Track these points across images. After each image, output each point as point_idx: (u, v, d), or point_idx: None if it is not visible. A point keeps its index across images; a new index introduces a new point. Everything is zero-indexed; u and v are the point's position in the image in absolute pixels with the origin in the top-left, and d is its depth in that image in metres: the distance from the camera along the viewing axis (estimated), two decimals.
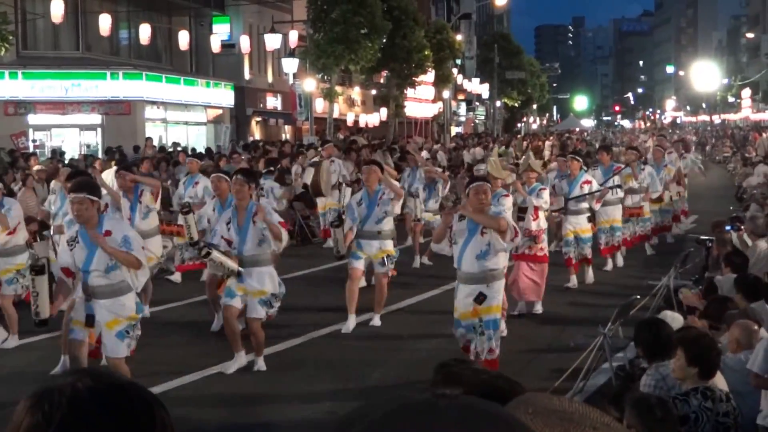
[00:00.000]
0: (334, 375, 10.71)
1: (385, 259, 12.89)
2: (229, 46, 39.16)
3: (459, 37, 61.01)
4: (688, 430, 5.89)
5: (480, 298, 9.72)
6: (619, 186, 17.08)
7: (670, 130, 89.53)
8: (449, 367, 2.50)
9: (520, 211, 13.72)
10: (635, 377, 7.57)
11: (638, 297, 11.29)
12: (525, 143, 49.82)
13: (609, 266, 17.41)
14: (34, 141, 31.12)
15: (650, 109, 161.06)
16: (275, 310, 10.86)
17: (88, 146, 32.50)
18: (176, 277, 16.37)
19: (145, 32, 33.33)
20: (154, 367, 10.51)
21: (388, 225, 13.02)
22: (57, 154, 28.16)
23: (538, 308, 13.67)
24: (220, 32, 39.23)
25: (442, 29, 55.39)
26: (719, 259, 11.86)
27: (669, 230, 20.72)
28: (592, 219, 16.09)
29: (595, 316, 11.78)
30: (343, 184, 20.43)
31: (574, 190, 15.85)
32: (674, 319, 9.25)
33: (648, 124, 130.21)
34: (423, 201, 17.81)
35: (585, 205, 15.88)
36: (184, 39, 35.40)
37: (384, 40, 40.64)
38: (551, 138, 54.65)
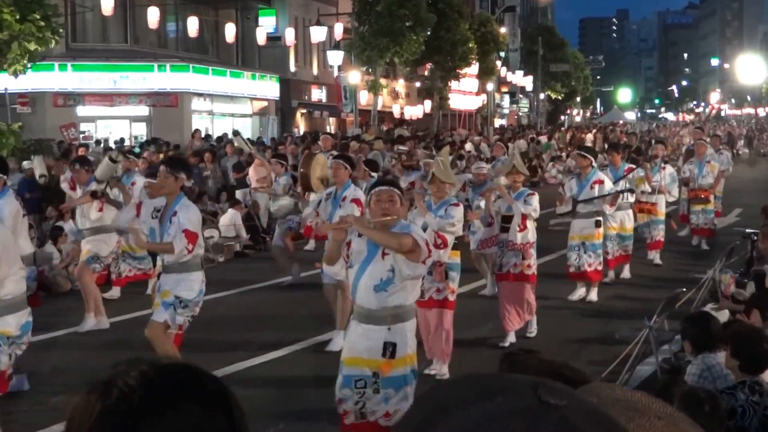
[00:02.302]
0: None
1: None
2: (274, 38, 39.39)
3: (503, 30, 60.88)
4: (735, 424, 5.87)
5: (388, 351, 7.15)
6: (631, 190, 15.45)
7: (715, 124, 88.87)
8: (515, 357, 2.53)
9: (504, 221, 11.85)
10: (681, 370, 7.59)
11: (684, 290, 11.33)
12: (568, 135, 49.89)
13: (610, 277, 15.79)
14: (82, 132, 31.42)
15: (694, 102, 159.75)
16: (184, 320, 9.24)
17: (135, 137, 32.78)
18: (114, 292, 14.64)
19: (192, 25, 33.56)
20: (205, 352, 10.65)
21: None
22: (104, 143, 28.47)
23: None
24: (266, 25, 39.48)
25: (486, 22, 55.29)
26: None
27: (708, 234, 19.19)
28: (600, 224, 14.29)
29: (640, 308, 11.81)
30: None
31: (584, 191, 14.00)
32: (721, 312, 9.32)
33: (693, 117, 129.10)
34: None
35: (595, 208, 14.07)
36: (230, 32, 35.60)
37: (428, 33, 40.70)
38: (594, 130, 54.54)
